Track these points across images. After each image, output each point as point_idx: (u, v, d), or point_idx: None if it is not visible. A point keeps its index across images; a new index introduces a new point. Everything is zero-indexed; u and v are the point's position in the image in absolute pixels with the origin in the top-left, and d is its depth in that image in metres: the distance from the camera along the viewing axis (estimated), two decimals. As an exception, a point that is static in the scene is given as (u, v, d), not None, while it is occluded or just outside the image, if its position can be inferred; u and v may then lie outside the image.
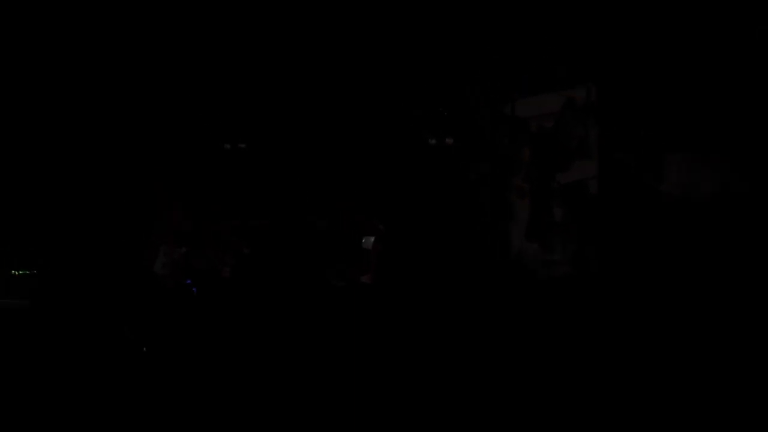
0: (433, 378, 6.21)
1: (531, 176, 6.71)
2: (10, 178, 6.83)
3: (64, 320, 6.60)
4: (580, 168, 6.62)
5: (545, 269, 6.60)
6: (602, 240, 6.45)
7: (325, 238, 6.79)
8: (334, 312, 6.49)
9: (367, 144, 6.81)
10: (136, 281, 6.72)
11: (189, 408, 6.16)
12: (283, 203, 6.86)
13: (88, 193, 6.83)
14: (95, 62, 6.52)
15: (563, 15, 6.55)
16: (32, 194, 6.86)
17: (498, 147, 6.78)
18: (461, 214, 6.82)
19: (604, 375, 5.93)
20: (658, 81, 6.28)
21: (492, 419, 6.02)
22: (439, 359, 6.28)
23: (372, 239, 6.76)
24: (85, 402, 6.13)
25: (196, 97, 6.78)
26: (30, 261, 6.98)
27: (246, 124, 6.94)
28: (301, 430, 6.11)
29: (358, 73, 6.67)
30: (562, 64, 6.58)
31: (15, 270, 6.99)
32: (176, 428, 6.13)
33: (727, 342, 5.68)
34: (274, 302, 6.60)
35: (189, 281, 6.83)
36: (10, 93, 6.57)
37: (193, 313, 6.67)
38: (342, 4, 6.41)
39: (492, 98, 6.75)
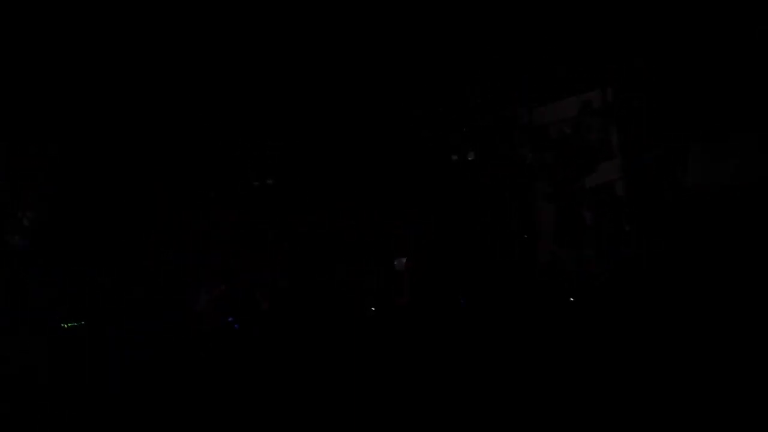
0: (475, 391, 6.16)
1: (555, 181, 6.73)
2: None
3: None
4: (605, 170, 6.62)
5: (579, 274, 6.58)
6: (635, 240, 6.42)
7: (355, 260, 6.87)
8: (372, 336, 6.53)
9: (390, 161, 6.91)
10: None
11: None
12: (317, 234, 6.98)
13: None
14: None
15: (574, 20, 6.59)
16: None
17: (519, 155, 6.83)
18: (488, 225, 6.85)
19: (646, 379, 5.83)
20: (671, 76, 6.28)
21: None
22: (478, 370, 6.24)
23: (404, 260, 6.83)
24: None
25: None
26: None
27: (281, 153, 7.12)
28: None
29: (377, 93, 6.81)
30: (576, 68, 6.62)
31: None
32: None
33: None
34: (314, 332, 6.66)
35: (231, 319, 6.92)
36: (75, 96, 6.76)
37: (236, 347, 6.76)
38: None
39: (508, 108, 6.82)
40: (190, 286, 7.12)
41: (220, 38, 6.42)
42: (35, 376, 5.87)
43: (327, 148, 7.02)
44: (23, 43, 6.21)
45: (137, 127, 6.99)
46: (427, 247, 6.79)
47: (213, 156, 7.19)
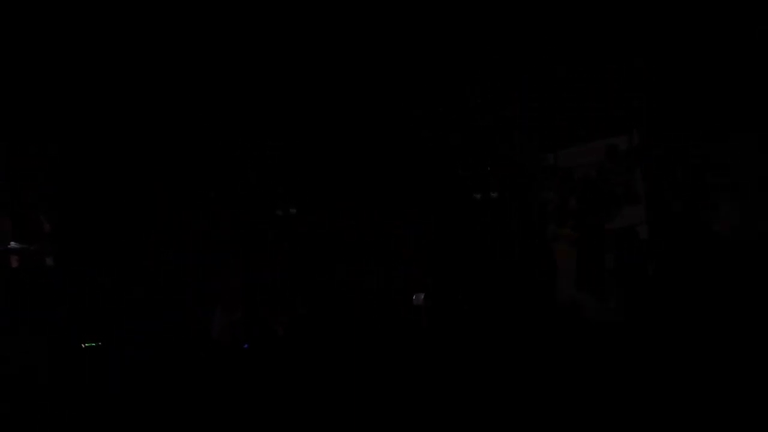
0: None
1: (578, 225, 6.71)
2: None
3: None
4: (629, 214, 6.55)
5: (599, 317, 6.48)
6: (657, 286, 6.33)
7: (375, 296, 6.89)
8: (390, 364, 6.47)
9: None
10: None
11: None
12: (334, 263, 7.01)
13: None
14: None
15: (601, 65, 6.57)
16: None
17: (543, 198, 6.84)
18: (509, 266, 6.85)
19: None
20: (699, 121, 6.21)
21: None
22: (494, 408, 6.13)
23: (422, 296, 6.85)
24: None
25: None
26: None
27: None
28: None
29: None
30: (604, 112, 6.59)
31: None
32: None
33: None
34: (327, 359, 6.60)
35: (246, 346, 6.84)
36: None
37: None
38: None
39: (535, 150, 6.80)
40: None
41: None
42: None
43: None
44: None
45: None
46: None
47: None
